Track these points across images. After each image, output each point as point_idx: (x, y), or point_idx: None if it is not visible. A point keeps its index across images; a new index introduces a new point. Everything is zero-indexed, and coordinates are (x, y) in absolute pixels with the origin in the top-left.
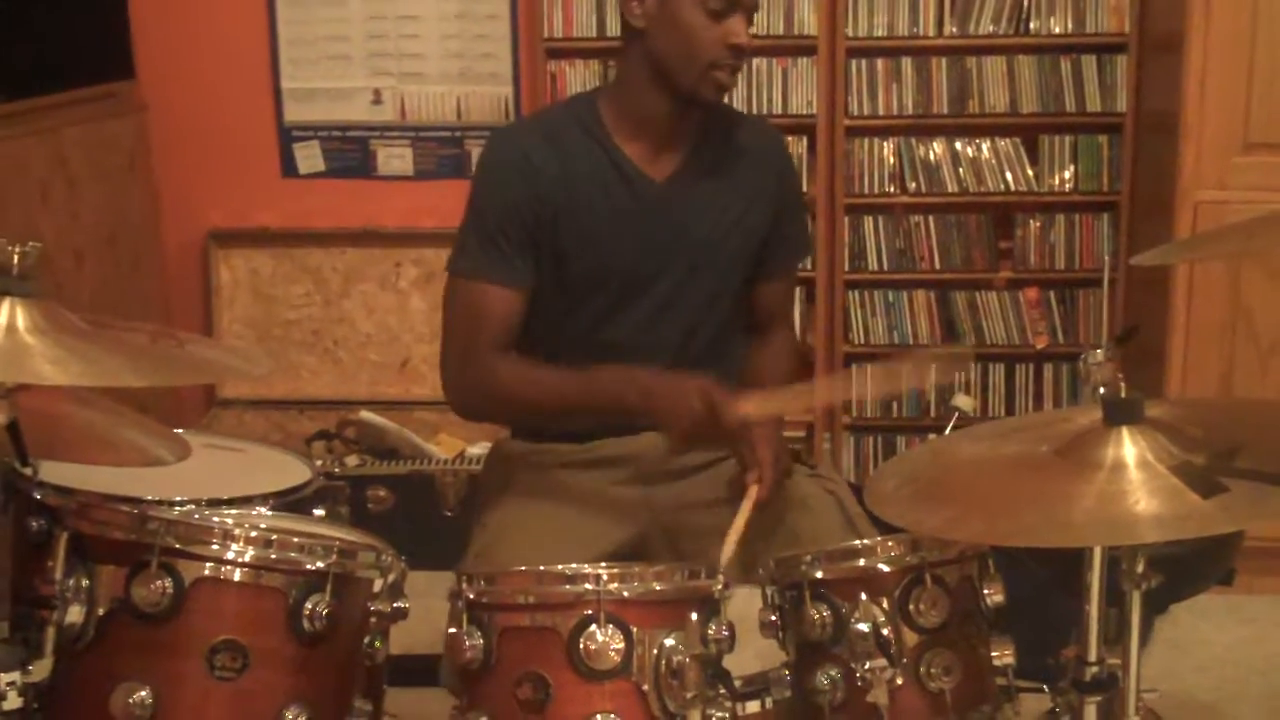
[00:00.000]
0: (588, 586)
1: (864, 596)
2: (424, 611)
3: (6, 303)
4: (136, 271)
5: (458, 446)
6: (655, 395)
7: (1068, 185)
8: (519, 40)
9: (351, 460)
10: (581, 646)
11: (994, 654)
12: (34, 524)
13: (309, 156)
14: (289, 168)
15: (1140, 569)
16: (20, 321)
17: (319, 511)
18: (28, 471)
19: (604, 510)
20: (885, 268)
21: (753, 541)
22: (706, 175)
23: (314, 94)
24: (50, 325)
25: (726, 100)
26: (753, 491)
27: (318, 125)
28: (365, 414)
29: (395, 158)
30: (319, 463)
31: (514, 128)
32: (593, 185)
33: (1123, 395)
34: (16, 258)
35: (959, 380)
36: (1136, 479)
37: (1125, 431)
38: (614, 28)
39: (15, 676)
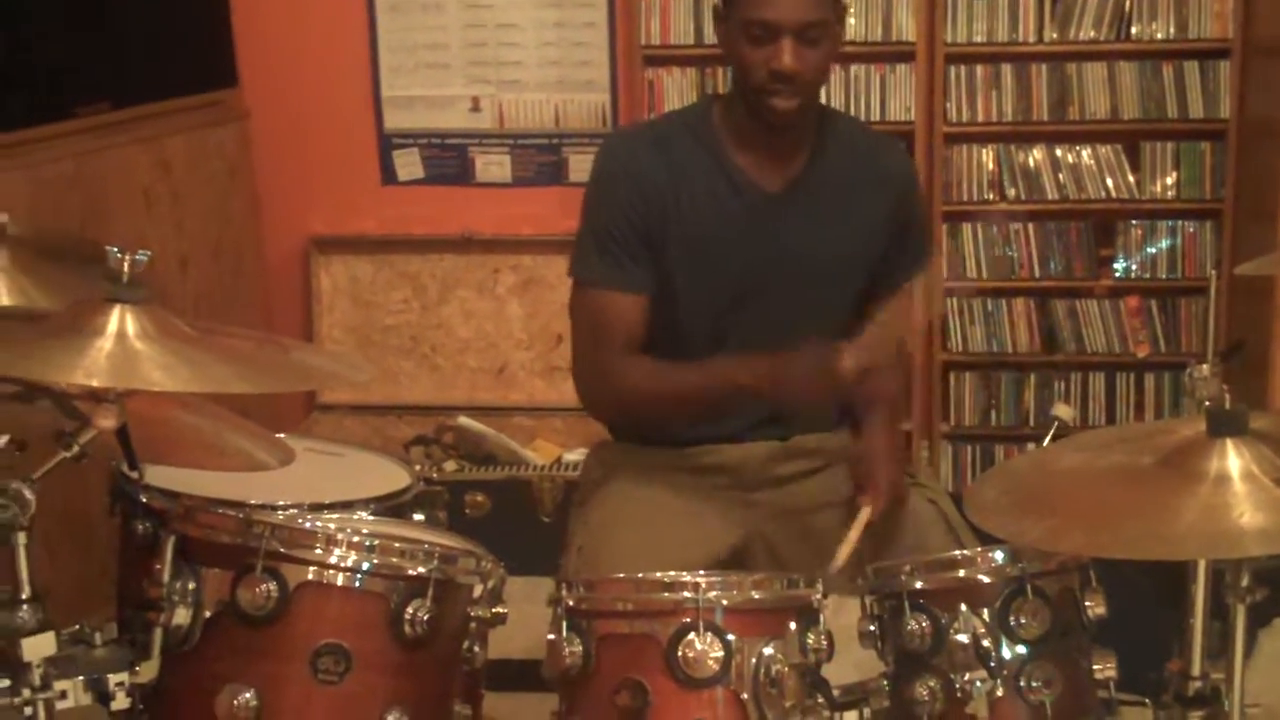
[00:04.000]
0: (686, 594)
1: (964, 607)
2: (520, 617)
3: (117, 310)
4: (239, 278)
5: (554, 452)
6: (767, 371)
7: (1170, 192)
8: (616, 48)
9: (449, 465)
10: (680, 654)
11: (1095, 667)
12: (140, 527)
13: (408, 164)
14: (389, 175)
15: (1245, 582)
16: (130, 328)
17: (418, 516)
18: (134, 475)
19: (705, 514)
20: (984, 275)
21: (858, 552)
22: (821, 190)
23: (413, 102)
24: (159, 332)
25: (855, 115)
26: (865, 512)
27: (417, 133)
28: (463, 419)
29: (493, 165)
30: (417, 468)
31: (625, 134)
32: (702, 193)
33: (1227, 407)
34: (127, 265)
35: (1059, 389)
36: (1241, 491)
37: (1229, 443)
38: (710, 35)
39: (123, 677)
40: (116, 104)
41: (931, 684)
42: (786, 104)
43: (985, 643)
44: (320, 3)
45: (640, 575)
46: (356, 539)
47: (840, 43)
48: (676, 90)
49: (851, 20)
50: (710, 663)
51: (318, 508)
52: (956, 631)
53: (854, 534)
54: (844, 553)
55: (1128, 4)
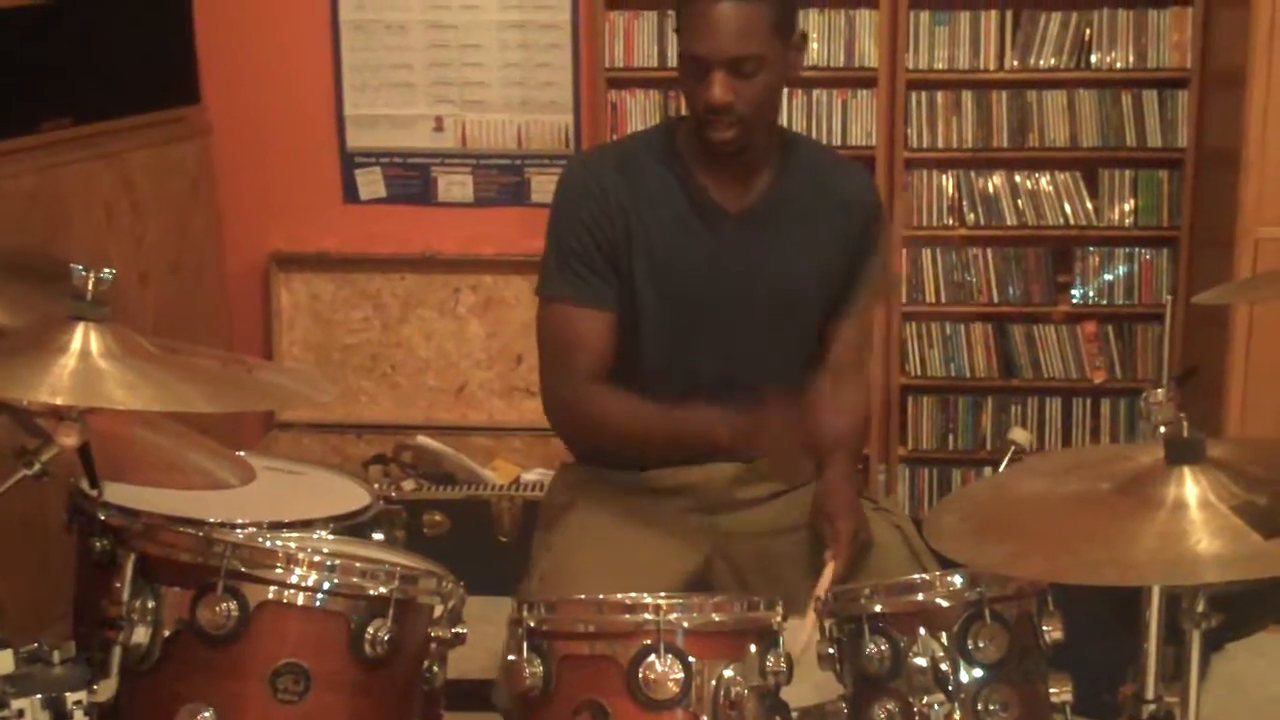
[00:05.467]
0: (647, 616)
1: (923, 631)
2: (478, 636)
3: (80, 328)
4: (199, 294)
5: (513, 472)
6: (745, 428)
7: (1127, 220)
8: (580, 70)
9: (408, 485)
10: (641, 676)
11: (1052, 690)
12: (98, 544)
13: (370, 182)
14: (350, 193)
15: (1200, 608)
16: (94, 346)
17: (378, 535)
18: (94, 493)
19: (669, 537)
20: (943, 300)
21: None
22: (784, 213)
23: (376, 120)
24: (123, 350)
25: (819, 139)
26: (830, 568)
27: (379, 151)
28: (422, 439)
29: (456, 185)
30: (376, 486)
31: (589, 154)
32: (665, 212)
33: (1185, 435)
34: (91, 283)
35: (1016, 414)
36: (1198, 518)
37: (1187, 471)
38: (674, 58)
39: (81, 695)
40: (79, 119)
41: (890, 707)
42: (722, 135)
43: (943, 666)
44: (284, 20)
45: (601, 597)
46: (317, 558)
47: (791, 71)
48: (640, 112)
49: (814, 46)
50: (670, 684)
51: (277, 526)
52: (915, 655)
53: (821, 590)
54: (812, 618)
55: (1088, 33)
